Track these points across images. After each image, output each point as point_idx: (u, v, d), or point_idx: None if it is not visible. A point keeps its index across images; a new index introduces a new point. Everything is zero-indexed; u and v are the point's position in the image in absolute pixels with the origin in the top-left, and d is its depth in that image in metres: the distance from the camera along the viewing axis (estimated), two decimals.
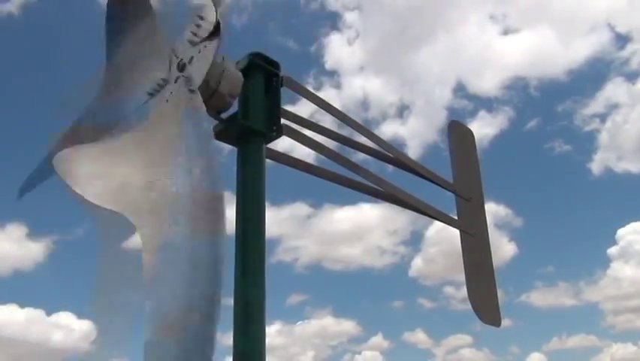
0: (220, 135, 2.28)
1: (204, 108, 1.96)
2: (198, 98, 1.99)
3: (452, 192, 3.36)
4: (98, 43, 2.45)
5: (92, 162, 2.10)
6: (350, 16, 21.59)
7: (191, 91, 2.00)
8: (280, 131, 2.32)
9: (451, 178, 3.45)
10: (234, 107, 2.28)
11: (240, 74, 2.25)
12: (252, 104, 2.31)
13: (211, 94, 2.14)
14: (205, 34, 2.15)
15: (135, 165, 2.00)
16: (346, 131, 2.90)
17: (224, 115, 2.26)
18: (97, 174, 2.05)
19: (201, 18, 2.20)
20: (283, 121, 2.40)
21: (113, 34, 2.41)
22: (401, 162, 3.12)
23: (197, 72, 2.08)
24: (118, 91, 2.33)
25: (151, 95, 2.21)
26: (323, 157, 2.61)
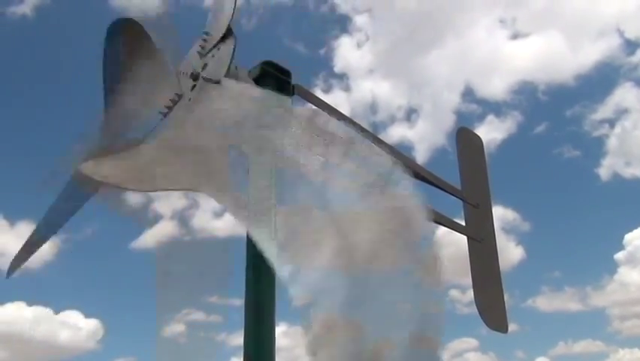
0: None
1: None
2: (229, 83, 2.11)
3: (460, 199, 3.38)
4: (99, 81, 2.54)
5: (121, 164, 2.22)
6: (360, 20, 21.62)
7: (217, 82, 2.11)
8: None
9: (459, 184, 3.48)
10: None
11: (252, 82, 2.29)
12: None
13: None
14: (213, 43, 2.22)
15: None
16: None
17: None
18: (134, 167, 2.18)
19: (207, 33, 2.29)
20: None
21: (113, 73, 2.50)
22: (409, 168, 3.15)
23: (219, 66, 2.18)
24: (122, 125, 2.42)
25: (164, 114, 2.29)
26: None
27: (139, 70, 2.42)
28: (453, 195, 3.34)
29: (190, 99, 2.20)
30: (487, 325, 3.13)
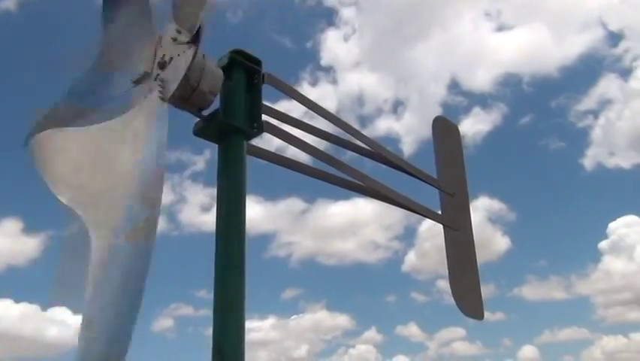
0: (201, 132, 2.30)
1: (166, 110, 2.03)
2: (164, 107, 2.05)
3: (436, 187, 3.39)
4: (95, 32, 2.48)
5: (61, 149, 2.17)
6: (347, 13, 21.65)
7: (162, 99, 2.05)
8: (261, 128, 2.34)
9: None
10: (216, 104, 2.31)
11: (221, 71, 2.27)
12: (232, 101, 2.33)
13: (191, 92, 2.16)
14: (186, 37, 2.16)
15: (94, 154, 2.09)
16: (332, 129, 2.93)
17: (205, 112, 2.29)
18: (60, 161, 2.13)
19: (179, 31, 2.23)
20: (266, 118, 2.43)
21: (109, 13, 2.43)
22: (385, 158, 3.16)
23: (172, 79, 2.11)
24: (106, 71, 2.36)
25: (135, 83, 2.24)
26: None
27: (128, 23, 2.34)
28: (429, 183, 3.35)
29: (150, 90, 2.15)
30: (462, 312, 3.14)
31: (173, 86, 2.07)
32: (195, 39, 2.13)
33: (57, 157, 2.17)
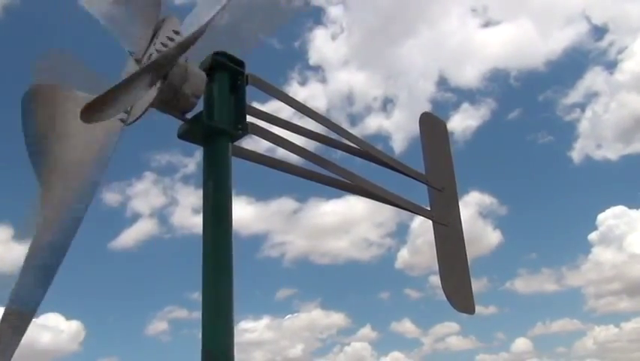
0: (185, 135, 2.29)
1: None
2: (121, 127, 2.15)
3: (424, 184, 3.39)
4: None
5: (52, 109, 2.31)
6: (334, 11, 21.64)
7: (122, 120, 2.12)
8: (246, 129, 2.33)
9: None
10: (199, 107, 2.29)
11: (204, 73, 2.25)
12: (216, 103, 2.31)
13: (174, 95, 2.14)
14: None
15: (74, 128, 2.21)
16: (320, 128, 2.92)
17: (189, 115, 2.27)
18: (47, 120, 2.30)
19: (176, 32, 2.23)
20: (252, 119, 2.42)
21: None
22: (373, 156, 3.15)
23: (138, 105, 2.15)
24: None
25: (135, 59, 2.26)
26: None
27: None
28: (417, 179, 3.35)
29: None
30: (454, 307, 3.15)
31: (136, 112, 2.12)
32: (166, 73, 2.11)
33: (46, 115, 2.30)
